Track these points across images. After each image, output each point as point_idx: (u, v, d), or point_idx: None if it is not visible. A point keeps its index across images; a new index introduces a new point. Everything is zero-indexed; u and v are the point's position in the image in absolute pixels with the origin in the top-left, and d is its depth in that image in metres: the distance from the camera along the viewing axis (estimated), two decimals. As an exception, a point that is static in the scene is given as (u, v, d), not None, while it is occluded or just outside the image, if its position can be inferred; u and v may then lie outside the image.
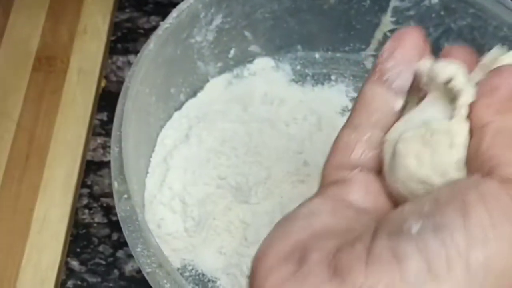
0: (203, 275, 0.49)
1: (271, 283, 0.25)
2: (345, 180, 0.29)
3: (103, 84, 0.58)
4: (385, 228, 0.25)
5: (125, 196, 0.43)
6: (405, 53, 0.30)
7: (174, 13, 0.49)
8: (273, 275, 0.25)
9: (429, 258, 0.24)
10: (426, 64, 0.30)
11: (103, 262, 0.51)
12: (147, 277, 0.41)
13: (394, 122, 0.30)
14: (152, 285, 0.41)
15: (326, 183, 0.30)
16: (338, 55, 0.59)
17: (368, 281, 0.24)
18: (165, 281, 0.40)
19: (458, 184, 0.26)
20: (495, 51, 0.32)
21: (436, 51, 0.57)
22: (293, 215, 0.28)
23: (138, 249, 0.41)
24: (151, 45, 0.47)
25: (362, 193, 0.29)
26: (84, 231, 0.52)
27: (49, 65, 0.57)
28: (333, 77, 0.58)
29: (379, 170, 0.30)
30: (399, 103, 0.30)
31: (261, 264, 0.26)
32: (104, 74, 0.59)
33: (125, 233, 0.42)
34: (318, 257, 0.25)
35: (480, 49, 0.54)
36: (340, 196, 0.29)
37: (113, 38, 0.61)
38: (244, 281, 0.48)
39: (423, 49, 0.30)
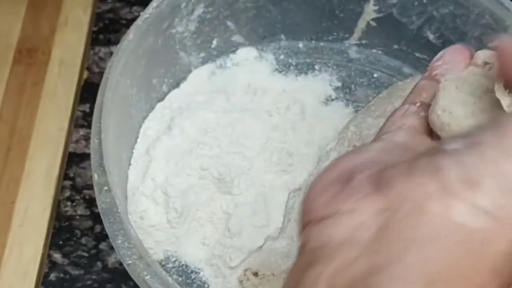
0: (186, 266, 0.49)
1: (320, 202, 0.28)
2: (396, 129, 0.34)
3: (85, 75, 0.58)
4: (425, 151, 0.28)
5: (106, 188, 0.42)
6: (452, 57, 0.36)
7: (154, 3, 0.49)
8: (322, 195, 0.28)
9: (465, 169, 0.26)
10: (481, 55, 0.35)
11: (86, 255, 0.51)
12: (127, 269, 0.41)
13: None
14: (133, 277, 0.41)
15: (380, 133, 0.34)
16: (321, 44, 0.59)
17: (407, 190, 0.26)
18: (145, 273, 0.40)
19: (495, 118, 0.29)
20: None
21: (419, 39, 0.57)
22: (346, 152, 0.32)
23: (119, 241, 0.41)
24: (131, 35, 0.47)
25: (409, 137, 0.33)
26: (66, 223, 0.52)
27: (30, 57, 0.57)
28: (316, 67, 0.58)
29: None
30: None
31: (311, 189, 0.29)
32: (86, 65, 0.58)
33: (106, 225, 0.42)
34: (363, 177, 0.28)
35: (463, 37, 0.54)
36: (390, 138, 0.33)
37: (95, 29, 0.60)
38: (227, 272, 0.48)
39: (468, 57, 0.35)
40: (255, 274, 0.47)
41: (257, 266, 0.47)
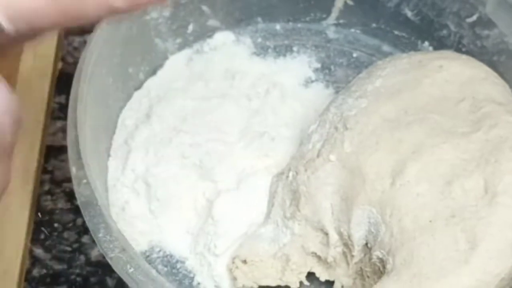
0: (171, 256, 0.48)
1: None
2: None
3: (59, 66, 0.57)
4: None
5: (84, 181, 0.42)
6: None
7: (126, -10, 0.48)
8: None
9: None
10: None
11: (69, 249, 0.50)
12: (110, 263, 0.40)
13: None
14: (116, 270, 0.40)
15: None
16: (299, 25, 0.58)
17: None
18: (128, 266, 0.39)
19: None
20: None
21: (397, 16, 0.56)
22: None
23: (100, 235, 0.41)
24: (104, 24, 0.46)
25: None
26: (47, 217, 0.51)
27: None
28: (295, 48, 0.57)
29: None
30: None
31: None
32: (60, 56, 0.57)
33: (86, 219, 0.41)
34: None
35: (441, 13, 0.54)
36: None
37: (68, 18, 0.59)
38: (212, 260, 0.47)
39: None
40: (244, 261, 0.47)
41: (245, 253, 0.47)
